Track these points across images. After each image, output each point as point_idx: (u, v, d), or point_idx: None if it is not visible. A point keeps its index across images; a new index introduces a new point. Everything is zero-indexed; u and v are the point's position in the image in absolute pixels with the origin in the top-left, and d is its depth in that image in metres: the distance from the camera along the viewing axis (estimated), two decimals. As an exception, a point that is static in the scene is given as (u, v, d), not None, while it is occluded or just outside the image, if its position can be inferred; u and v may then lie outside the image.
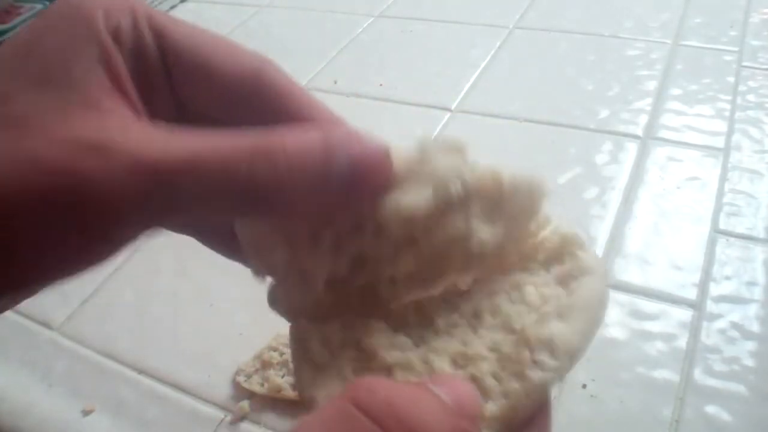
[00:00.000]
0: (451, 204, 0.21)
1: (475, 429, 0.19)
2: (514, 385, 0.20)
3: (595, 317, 0.21)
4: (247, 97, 0.23)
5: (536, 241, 0.23)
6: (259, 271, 0.23)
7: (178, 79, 0.22)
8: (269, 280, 0.24)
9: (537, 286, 0.22)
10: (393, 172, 0.21)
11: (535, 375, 0.20)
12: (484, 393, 0.20)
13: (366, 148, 0.20)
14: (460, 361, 0.21)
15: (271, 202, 0.19)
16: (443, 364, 0.21)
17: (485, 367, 0.20)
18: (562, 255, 0.23)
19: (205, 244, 0.26)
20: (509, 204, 0.22)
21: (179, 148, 0.18)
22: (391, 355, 0.21)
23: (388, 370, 0.21)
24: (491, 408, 0.20)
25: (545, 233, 0.23)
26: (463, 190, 0.21)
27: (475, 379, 0.20)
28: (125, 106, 0.20)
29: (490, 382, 0.20)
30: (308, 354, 0.22)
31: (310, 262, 0.22)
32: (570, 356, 0.20)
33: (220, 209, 0.20)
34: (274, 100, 0.23)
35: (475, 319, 0.22)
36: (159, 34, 0.22)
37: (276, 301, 0.23)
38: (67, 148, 0.18)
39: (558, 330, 0.20)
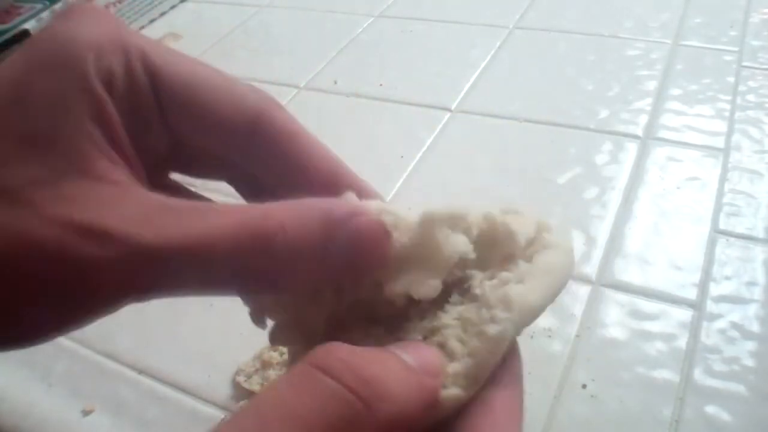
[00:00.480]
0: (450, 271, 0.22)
1: (439, 385, 0.19)
2: (476, 343, 0.21)
3: (553, 280, 0.22)
4: (245, 138, 0.22)
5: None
6: (259, 321, 0.24)
7: (174, 121, 0.22)
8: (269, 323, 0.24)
9: (505, 266, 0.23)
10: (394, 249, 0.21)
11: (492, 329, 0.20)
12: (450, 355, 0.21)
13: (366, 227, 0.20)
14: (429, 335, 0.22)
15: (271, 285, 0.20)
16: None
17: (449, 333, 0.21)
18: (533, 241, 0.24)
19: None
20: (504, 242, 0.23)
21: (177, 233, 0.18)
22: (365, 343, 0.21)
23: None
24: (456, 366, 0.20)
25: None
26: (463, 258, 0.22)
27: (441, 346, 0.21)
28: (119, 164, 0.20)
29: (454, 345, 0.21)
30: (295, 360, 0.23)
31: (311, 315, 0.23)
32: (525, 310, 0.21)
33: (217, 292, 0.20)
34: (273, 143, 0.23)
35: (446, 302, 0.23)
36: (153, 75, 0.21)
37: (276, 341, 0.24)
38: (61, 231, 0.17)
39: (514, 288, 0.21)
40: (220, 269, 0.19)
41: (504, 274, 0.22)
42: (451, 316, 0.22)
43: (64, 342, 0.46)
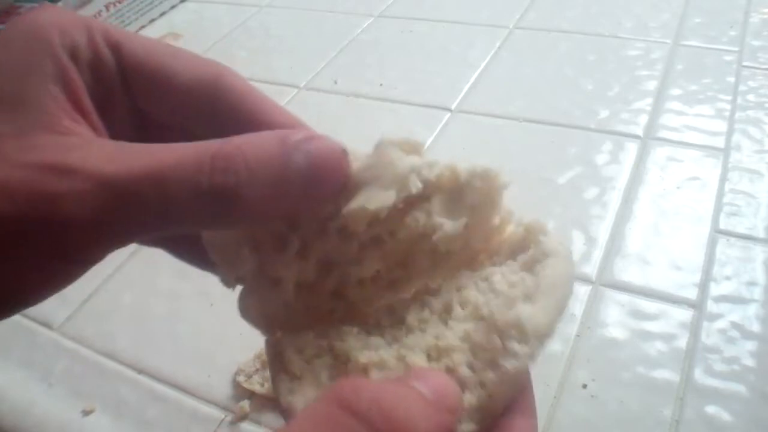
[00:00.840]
0: (411, 201, 0.22)
1: (455, 421, 0.19)
2: (489, 375, 0.20)
3: (561, 296, 0.21)
4: (206, 103, 0.23)
5: (502, 237, 0.24)
6: (228, 281, 0.23)
7: (138, 90, 0.23)
8: (239, 288, 0.24)
9: (503, 274, 0.22)
10: (351, 171, 0.21)
11: (509, 363, 0.20)
12: (461, 384, 0.20)
13: (322, 146, 0.21)
14: (434, 354, 0.21)
15: (234, 207, 0.20)
16: (417, 359, 0.21)
17: (459, 358, 0.21)
18: (527, 243, 0.23)
19: (174, 256, 0.26)
20: (468, 195, 0.22)
21: (140, 163, 0.19)
22: (364, 356, 0.21)
23: (363, 371, 0.21)
24: (469, 399, 0.20)
25: (510, 227, 0.24)
26: (423, 186, 0.22)
27: (450, 371, 0.20)
28: (83, 124, 0.21)
29: (465, 372, 0.20)
30: (285, 365, 0.22)
31: (278, 267, 0.22)
32: (540, 337, 0.20)
33: (185, 220, 0.20)
34: (232, 105, 0.23)
35: (446, 313, 0.22)
36: (116, 48, 0.22)
37: (247, 310, 0.23)
38: (30, 172, 0.18)
39: (526, 312, 0.20)
40: (185, 194, 0.19)
41: (509, 290, 0.21)
42: (456, 335, 0.21)
43: (64, 342, 0.46)
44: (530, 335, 0.20)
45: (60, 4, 0.75)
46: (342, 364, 0.21)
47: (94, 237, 0.19)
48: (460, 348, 0.21)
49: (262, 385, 0.41)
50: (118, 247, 0.20)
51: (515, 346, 0.20)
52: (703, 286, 0.44)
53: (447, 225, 0.22)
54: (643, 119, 0.58)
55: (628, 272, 0.45)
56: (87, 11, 0.77)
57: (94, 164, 0.18)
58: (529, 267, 0.22)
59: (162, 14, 0.86)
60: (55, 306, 0.48)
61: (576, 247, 0.47)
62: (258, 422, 0.40)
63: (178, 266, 0.53)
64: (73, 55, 0.21)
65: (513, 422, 0.20)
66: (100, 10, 0.79)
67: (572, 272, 0.22)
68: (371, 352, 0.21)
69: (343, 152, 0.21)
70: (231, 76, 0.23)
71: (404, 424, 0.17)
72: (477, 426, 0.20)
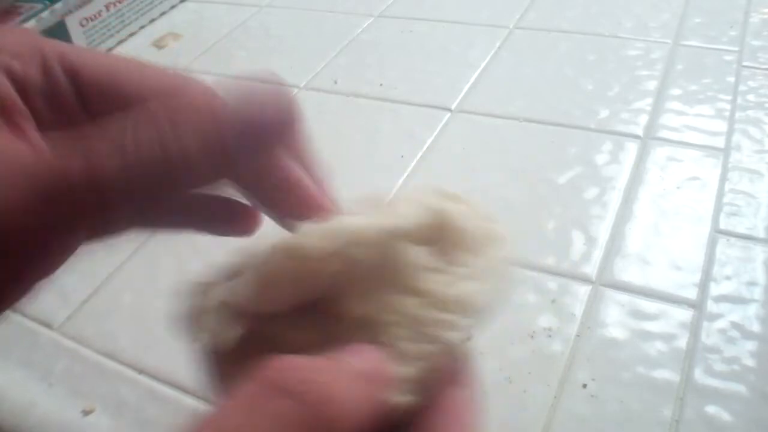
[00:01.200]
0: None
1: (390, 394, 0.19)
2: (427, 347, 0.20)
3: (502, 276, 0.22)
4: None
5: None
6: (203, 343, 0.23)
7: (101, 114, 0.21)
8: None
9: (446, 252, 0.22)
10: (299, 113, 0.20)
11: (448, 335, 0.20)
12: (398, 357, 0.20)
13: (256, 86, 0.19)
14: (369, 329, 0.20)
15: (166, 164, 0.18)
16: (349, 335, 0.20)
17: (395, 332, 0.20)
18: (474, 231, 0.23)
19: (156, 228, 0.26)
20: (448, 236, 0.22)
21: (69, 155, 0.17)
22: (298, 337, 0.21)
23: (297, 352, 0.20)
24: (406, 371, 0.20)
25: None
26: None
27: (386, 345, 0.20)
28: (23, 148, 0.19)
29: (402, 345, 0.20)
30: (219, 365, 0.22)
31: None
32: (479, 311, 0.21)
33: (123, 200, 0.19)
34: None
35: (382, 291, 0.21)
36: (73, 72, 0.21)
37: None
38: None
39: (466, 288, 0.21)
40: (112, 165, 0.18)
41: (450, 267, 0.21)
42: (394, 311, 0.21)
43: (64, 342, 0.46)
44: (469, 308, 0.20)
45: (60, 4, 0.75)
46: (272, 350, 0.20)
47: (38, 243, 0.18)
48: (396, 322, 0.20)
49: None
50: (72, 250, 0.19)
51: (453, 318, 0.20)
52: (703, 286, 0.44)
53: (437, 282, 0.21)
54: (643, 119, 0.58)
55: (628, 272, 0.45)
56: (87, 11, 0.77)
57: (20, 165, 0.17)
58: (473, 250, 0.22)
59: (162, 14, 0.86)
60: (55, 306, 0.48)
61: (576, 247, 0.47)
62: (258, 422, 0.40)
63: (178, 266, 0.53)
64: (24, 87, 0.19)
65: (450, 393, 0.20)
66: (100, 10, 0.79)
67: (508, 249, 0.23)
68: (304, 334, 0.21)
69: (284, 93, 0.20)
70: (194, 87, 0.22)
71: (337, 401, 0.16)
72: (414, 398, 0.20)
